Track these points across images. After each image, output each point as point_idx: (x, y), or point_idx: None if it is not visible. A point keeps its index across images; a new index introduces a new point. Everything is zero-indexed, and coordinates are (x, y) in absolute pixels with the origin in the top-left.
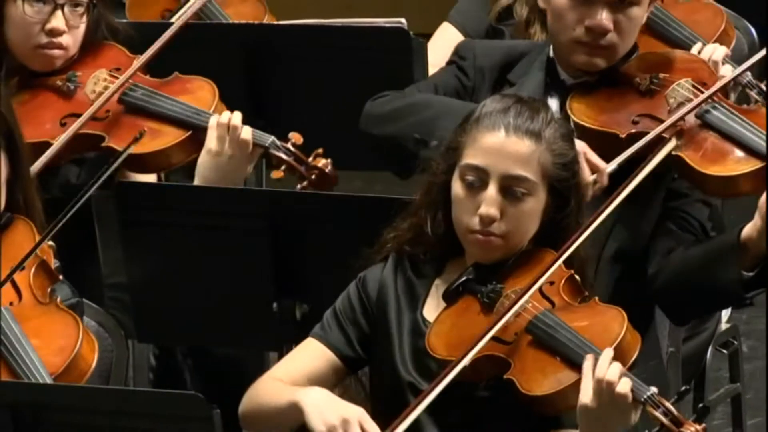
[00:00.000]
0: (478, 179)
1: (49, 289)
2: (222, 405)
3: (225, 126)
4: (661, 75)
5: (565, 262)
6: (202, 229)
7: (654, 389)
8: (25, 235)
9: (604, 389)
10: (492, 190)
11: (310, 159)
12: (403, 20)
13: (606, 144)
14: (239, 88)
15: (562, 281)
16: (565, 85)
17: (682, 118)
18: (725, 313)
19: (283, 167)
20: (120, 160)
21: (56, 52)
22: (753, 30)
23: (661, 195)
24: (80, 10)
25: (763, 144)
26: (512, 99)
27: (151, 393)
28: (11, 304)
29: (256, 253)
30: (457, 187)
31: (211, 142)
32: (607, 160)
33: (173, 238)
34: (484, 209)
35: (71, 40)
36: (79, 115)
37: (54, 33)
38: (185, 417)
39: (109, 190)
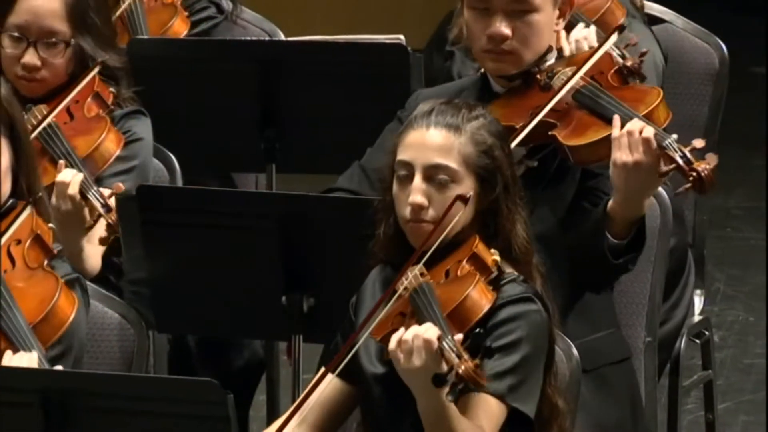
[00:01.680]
0: (407, 172)
1: (45, 262)
2: (234, 389)
3: (58, 184)
4: (555, 69)
5: (489, 242)
6: (217, 229)
7: (458, 336)
8: (26, 219)
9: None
10: (417, 180)
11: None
12: (401, 37)
13: (509, 136)
14: (252, 99)
15: (465, 258)
16: (498, 95)
17: (553, 101)
18: (698, 306)
19: (96, 215)
20: None
21: (33, 84)
22: (723, 45)
23: (575, 179)
24: (57, 48)
25: (615, 113)
26: (438, 102)
27: (170, 379)
28: (5, 271)
29: (266, 250)
30: (394, 185)
31: (52, 199)
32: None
33: (190, 238)
34: (411, 198)
35: (48, 74)
36: None
37: (26, 68)
38: (201, 401)
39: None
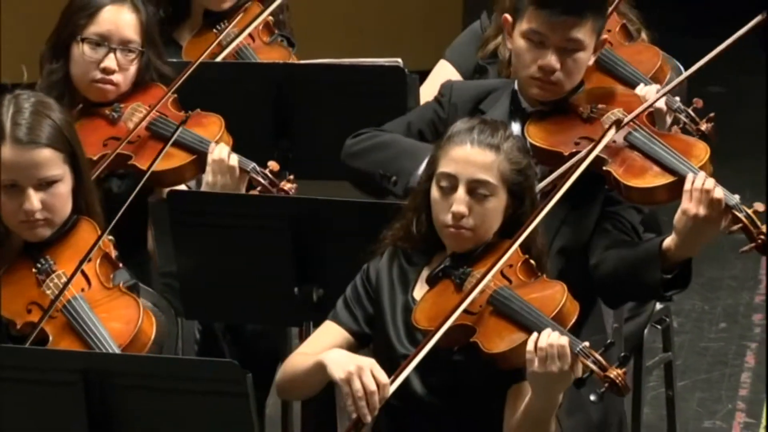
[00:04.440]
0: (450, 184)
1: (111, 275)
2: (253, 370)
3: (216, 161)
4: (600, 105)
5: (522, 248)
6: (237, 228)
7: (586, 343)
8: (89, 232)
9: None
10: (461, 192)
11: (282, 183)
12: (399, 60)
13: (553, 160)
14: (268, 114)
15: (519, 264)
16: (525, 112)
17: (607, 139)
18: None
19: (258, 188)
20: (151, 169)
21: (108, 87)
22: (682, 68)
23: (600, 201)
24: (132, 55)
25: (675, 163)
26: (477, 120)
27: (195, 361)
28: (83, 290)
29: (280, 247)
30: (434, 192)
31: (207, 175)
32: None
33: (214, 236)
34: (455, 207)
35: (122, 79)
36: (117, 138)
37: (107, 71)
38: (223, 380)
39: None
